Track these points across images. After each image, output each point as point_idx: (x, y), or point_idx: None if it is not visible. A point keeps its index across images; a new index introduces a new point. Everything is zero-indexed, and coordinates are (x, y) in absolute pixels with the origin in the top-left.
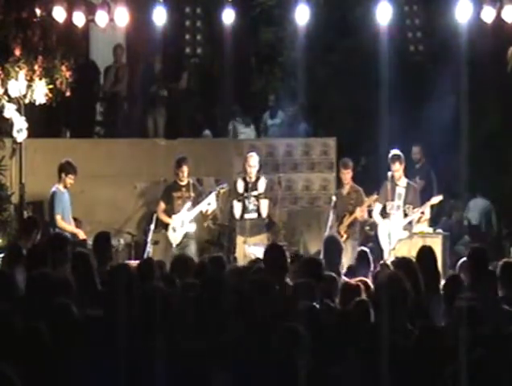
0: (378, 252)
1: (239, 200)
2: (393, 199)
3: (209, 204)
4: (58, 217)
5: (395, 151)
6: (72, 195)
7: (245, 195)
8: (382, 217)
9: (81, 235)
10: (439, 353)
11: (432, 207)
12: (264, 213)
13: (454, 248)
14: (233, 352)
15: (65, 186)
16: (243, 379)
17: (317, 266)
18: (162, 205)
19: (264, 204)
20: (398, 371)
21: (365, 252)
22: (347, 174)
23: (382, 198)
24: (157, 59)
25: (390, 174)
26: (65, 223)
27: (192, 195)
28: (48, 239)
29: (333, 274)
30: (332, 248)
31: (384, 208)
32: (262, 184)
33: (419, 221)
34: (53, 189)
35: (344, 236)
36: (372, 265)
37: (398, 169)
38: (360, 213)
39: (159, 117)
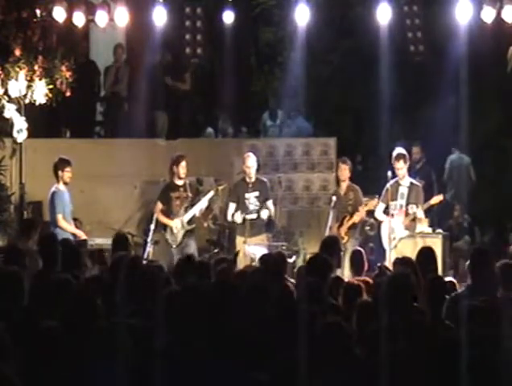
0: (381, 252)
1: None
2: (396, 199)
3: (209, 200)
4: (59, 217)
5: (400, 149)
6: (71, 195)
7: (246, 196)
8: (386, 215)
9: (82, 235)
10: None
11: (432, 206)
12: (272, 213)
13: (454, 245)
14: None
15: (65, 183)
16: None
17: (326, 265)
18: (159, 205)
19: (269, 204)
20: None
21: (359, 252)
22: (344, 170)
23: (385, 199)
24: (160, 58)
25: (389, 174)
26: (66, 223)
27: (190, 194)
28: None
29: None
30: (331, 249)
31: (387, 207)
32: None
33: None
34: (52, 189)
35: (345, 238)
36: (366, 265)
37: (402, 167)
38: (358, 219)
39: (160, 117)
